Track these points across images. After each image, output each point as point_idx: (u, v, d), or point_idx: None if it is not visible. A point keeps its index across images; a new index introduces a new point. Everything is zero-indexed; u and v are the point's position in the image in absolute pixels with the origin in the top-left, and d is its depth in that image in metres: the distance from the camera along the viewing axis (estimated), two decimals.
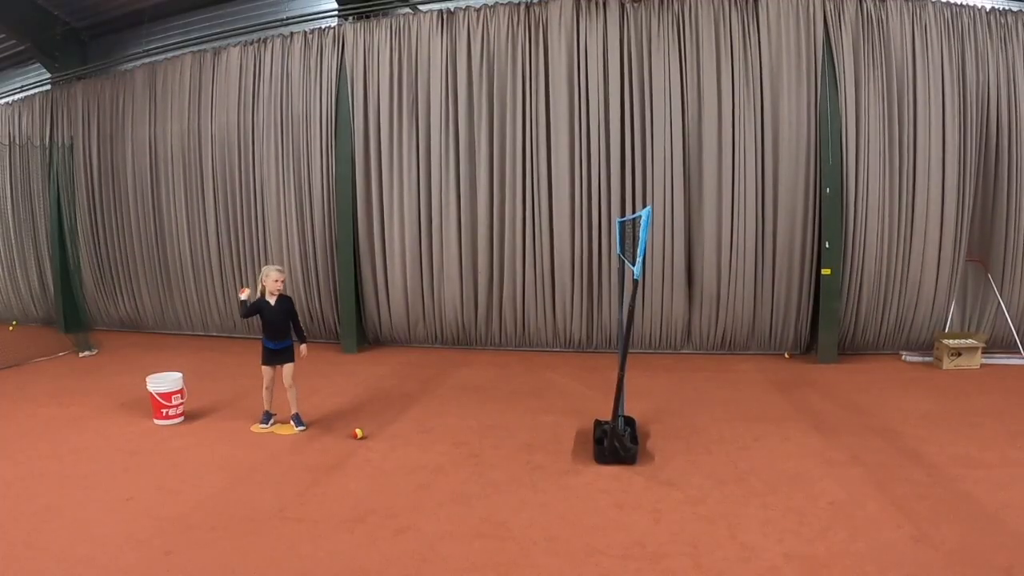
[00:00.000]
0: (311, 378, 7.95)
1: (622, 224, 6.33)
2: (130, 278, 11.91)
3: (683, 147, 8.77)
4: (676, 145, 8.76)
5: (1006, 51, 8.30)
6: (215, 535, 4.04)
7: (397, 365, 8.96)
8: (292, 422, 6.18)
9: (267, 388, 6.22)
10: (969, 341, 8.16)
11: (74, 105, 11.92)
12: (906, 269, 8.58)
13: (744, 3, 8.57)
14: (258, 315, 6.06)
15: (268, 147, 10.21)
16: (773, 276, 8.81)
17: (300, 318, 6.48)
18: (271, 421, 6.27)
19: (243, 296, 5.98)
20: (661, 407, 6.66)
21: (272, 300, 6.07)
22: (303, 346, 6.31)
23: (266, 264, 6.25)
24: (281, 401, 6.28)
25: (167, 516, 4.32)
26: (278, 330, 6.12)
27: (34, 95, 12.57)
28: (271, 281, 6.04)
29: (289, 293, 6.38)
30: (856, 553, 3.66)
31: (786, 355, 9.02)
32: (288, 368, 6.17)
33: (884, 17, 8.32)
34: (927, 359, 8.46)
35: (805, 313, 8.86)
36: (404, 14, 9.61)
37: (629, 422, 5.70)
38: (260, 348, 6.16)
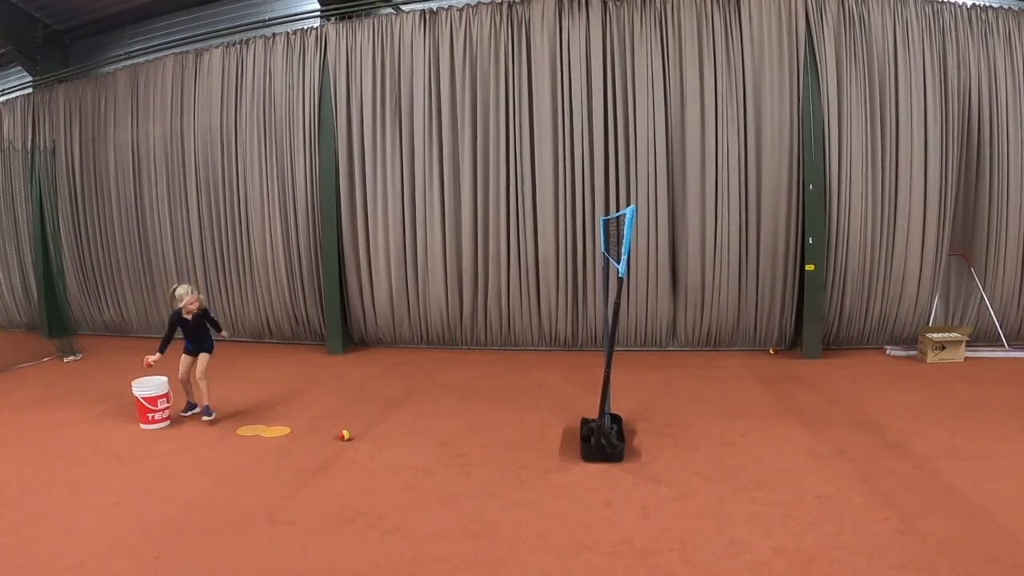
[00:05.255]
0: (297, 381, 7.93)
1: (606, 222, 6.35)
2: (114, 282, 11.81)
3: (666, 145, 8.81)
4: (659, 143, 8.79)
5: (987, 46, 8.40)
6: (204, 539, 4.02)
7: (383, 366, 8.93)
8: (203, 414, 6.47)
9: (183, 380, 6.56)
10: (953, 335, 8.24)
11: (56, 108, 11.79)
12: (889, 264, 8.65)
13: (727, 1, 8.60)
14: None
15: (251, 148, 10.15)
16: (757, 272, 8.86)
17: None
18: (192, 411, 6.68)
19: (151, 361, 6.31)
20: (647, 404, 6.69)
21: (189, 317, 6.42)
22: (224, 332, 6.93)
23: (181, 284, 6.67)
24: (267, 402, 6.29)
25: (155, 520, 4.28)
26: (197, 339, 6.57)
27: (15, 99, 12.43)
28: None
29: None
30: (844, 546, 3.69)
31: (771, 351, 9.07)
32: (202, 359, 6.49)
33: (866, 14, 8.39)
34: (911, 353, 8.53)
35: (789, 309, 8.92)
36: (387, 14, 9.59)
37: (616, 419, 5.72)
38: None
